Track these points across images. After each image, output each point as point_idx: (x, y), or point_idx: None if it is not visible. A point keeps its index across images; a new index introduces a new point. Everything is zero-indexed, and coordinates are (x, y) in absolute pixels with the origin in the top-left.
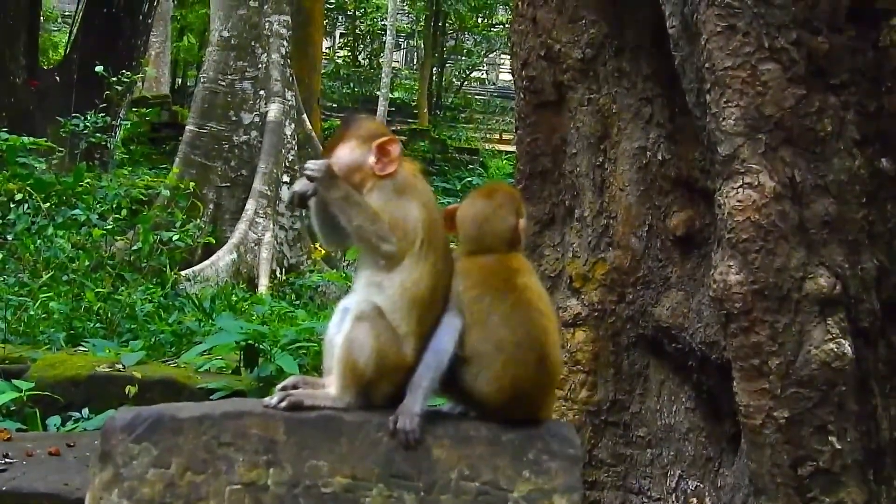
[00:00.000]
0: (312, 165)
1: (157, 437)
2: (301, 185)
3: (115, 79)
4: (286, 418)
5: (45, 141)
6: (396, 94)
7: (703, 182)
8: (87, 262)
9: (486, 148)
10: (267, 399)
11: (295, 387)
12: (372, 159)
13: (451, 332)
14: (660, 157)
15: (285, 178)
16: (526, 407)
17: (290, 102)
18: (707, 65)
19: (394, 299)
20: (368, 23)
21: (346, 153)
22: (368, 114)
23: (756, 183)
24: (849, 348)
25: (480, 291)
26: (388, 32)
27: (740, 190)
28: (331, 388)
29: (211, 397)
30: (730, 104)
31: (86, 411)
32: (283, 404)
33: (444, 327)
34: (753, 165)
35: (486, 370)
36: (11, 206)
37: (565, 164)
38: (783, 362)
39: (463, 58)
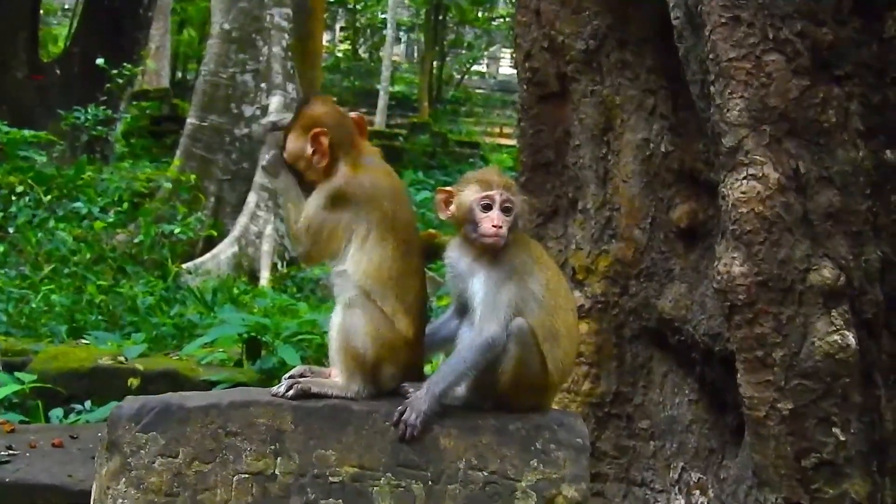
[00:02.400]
0: (266, 155)
1: (165, 426)
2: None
3: (115, 72)
4: (294, 408)
5: (46, 134)
6: (397, 88)
7: (707, 174)
8: (88, 255)
9: (487, 142)
10: (274, 388)
11: (301, 376)
12: (309, 149)
13: (485, 346)
14: (663, 149)
15: None
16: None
17: (291, 95)
18: (711, 56)
19: (363, 285)
20: (369, 16)
21: (290, 143)
22: (368, 108)
23: (760, 174)
24: (853, 340)
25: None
26: (389, 26)
27: (744, 181)
28: (337, 378)
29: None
30: (734, 95)
31: (88, 403)
32: (290, 393)
33: (480, 339)
34: (758, 157)
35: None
36: (13, 198)
37: (568, 155)
38: (787, 354)
39: (463, 51)
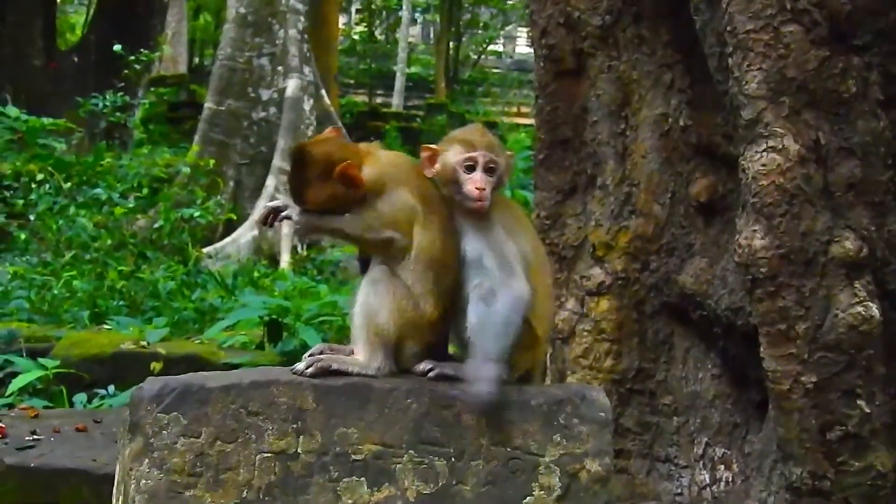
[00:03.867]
0: (292, 214)
1: (186, 407)
2: (280, 207)
3: (132, 58)
4: (314, 386)
5: (65, 121)
6: (413, 69)
7: (726, 148)
8: (109, 241)
9: (504, 121)
10: (295, 365)
11: (321, 355)
12: (341, 188)
13: (521, 303)
14: (681, 124)
15: None
16: None
17: (308, 78)
18: (729, 28)
19: (408, 264)
20: None
21: (316, 193)
22: (385, 90)
23: (780, 146)
24: (876, 311)
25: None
26: (404, 7)
27: (764, 154)
28: (359, 355)
29: None
30: (752, 68)
31: (111, 388)
32: (310, 370)
33: (515, 295)
34: (777, 129)
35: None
36: (33, 186)
37: (586, 132)
38: (810, 327)
39: (479, 31)
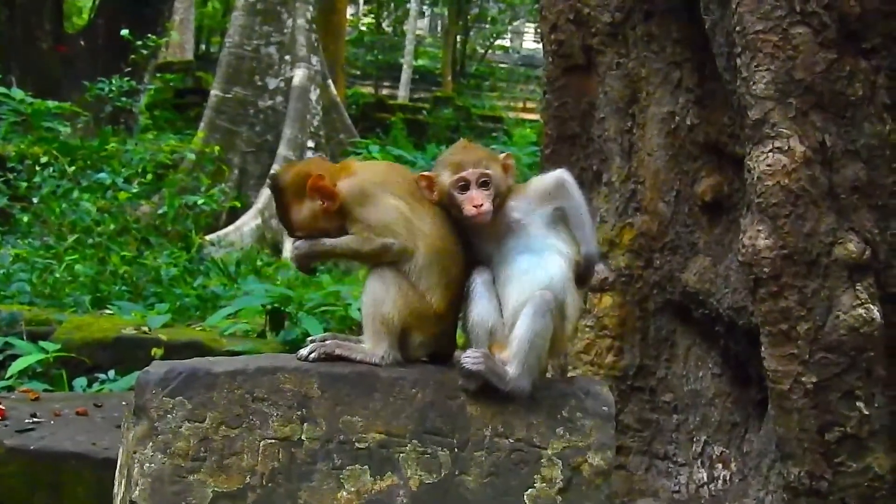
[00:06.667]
0: (295, 247)
1: (192, 391)
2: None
3: (139, 43)
4: (320, 374)
5: (70, 105)
6: (420, 62)
7: (732, 147)
8: (112, 226)
9: (510, 116)
10: (299, 350)
11: (324, 341)
12: (318, 203)
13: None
14: (688, 122)
15: (310, 144)
16: None
17: (315, 68)
18: (738, 28)
19: (410, 262)
20: None
21: (297, 214)
22: (391, 82)
23: (786, 147)
24: (877, 314)
25: None
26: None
27: (770, 154)
28: (365, 343)
29: None
30: (760, 68)
31: (112, 373)
32: (314, 355)
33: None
34: (783, 130)
35: None
36: (37, 169)
37: (593, 128)
38: (811, 327)
39: (487, 25)
